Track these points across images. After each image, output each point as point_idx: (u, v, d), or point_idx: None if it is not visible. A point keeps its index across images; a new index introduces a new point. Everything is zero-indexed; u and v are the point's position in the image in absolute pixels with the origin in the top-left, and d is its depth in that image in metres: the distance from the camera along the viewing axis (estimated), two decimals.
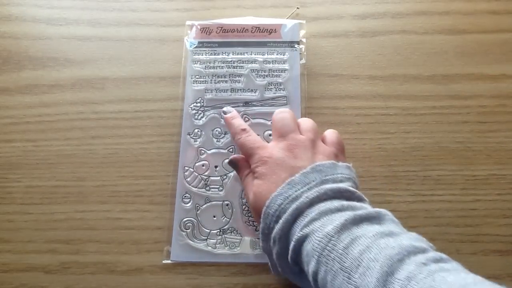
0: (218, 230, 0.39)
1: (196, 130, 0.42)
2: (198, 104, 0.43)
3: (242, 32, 0.45)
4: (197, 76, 0.44)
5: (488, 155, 0.42)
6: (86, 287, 0.38)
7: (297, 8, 0.48)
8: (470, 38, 0.47)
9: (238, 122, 0.39)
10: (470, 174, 0.41)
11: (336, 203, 0.29)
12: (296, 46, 0.45)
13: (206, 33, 0.46)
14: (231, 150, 0.41)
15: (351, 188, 0.31)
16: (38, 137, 0.44)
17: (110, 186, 0.41)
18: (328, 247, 0.27)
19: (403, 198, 0.40)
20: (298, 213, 0.30)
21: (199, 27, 0.46)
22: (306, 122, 0.37)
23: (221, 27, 0.46)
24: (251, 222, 0.39)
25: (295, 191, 0.31)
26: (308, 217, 0.29)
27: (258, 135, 0.41)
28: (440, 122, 0.43)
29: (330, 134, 0.37)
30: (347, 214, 0.28)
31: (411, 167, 0.41)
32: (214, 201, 0.40)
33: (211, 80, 0.44)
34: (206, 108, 0.43)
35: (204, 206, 0.40)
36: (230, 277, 0.38)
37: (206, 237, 0.39)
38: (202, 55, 0.45)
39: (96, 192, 0.41)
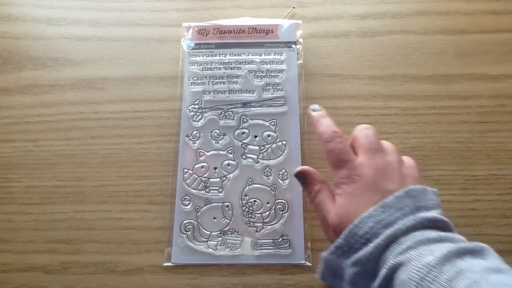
0: (219, 232, 0.39)
1: (194, 132, 0.42)
2: (196, 106, 0.43)
3: (238, 33, 0.45)
4: (194, 78, 0.44)
5: (488, 155, 0.42)
6: (86, 287, 0.38)
7: (293, 7, 0.48)
8: (470, 38, 0.46)
9: (328, 122, 0.34)
10: (470, 174, 0.41)
11: (433, 234, 0.29)
12: (293, 46, 0.45)
13: (203, 35, 0.46)
14: (230, 151, 0.41)
15: (445, 218, 0.30)
16: (38, 137, 0.44)
17: (110, 186, 0.42)
18: (428, 278, 0.26)
19: None
20: (392, 240, 0.29)
21: (195, 28, 0.46)
22: (388, 144, 0.35)
23: (218, 29, 0.46)
24: (251, 223, 0.39)
25: (388, 215, 0.30)
26: (404, 245, 0.28)
27: (256, 136, 0.42)
28: (440, 122, 0.43)
29: (408, 158, 0.35)
30: (449, 246, 0.27)
31: None
32: (214, 202, 0.40)
33: (208, 81, 0.44)
34: (204, 110, 0.43)
35: (204, 208, 0.40)
36: (230, 277, 0.38)
37: (206, 239, 0.39)
38: (199, 56, 0.45)
39: (96, 192, 0.41)
